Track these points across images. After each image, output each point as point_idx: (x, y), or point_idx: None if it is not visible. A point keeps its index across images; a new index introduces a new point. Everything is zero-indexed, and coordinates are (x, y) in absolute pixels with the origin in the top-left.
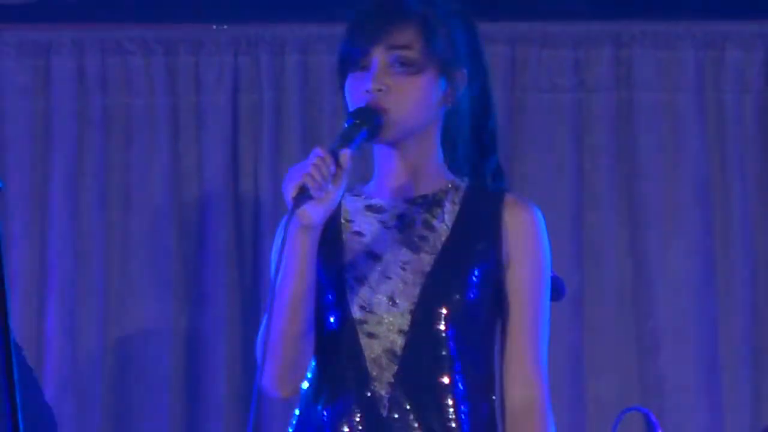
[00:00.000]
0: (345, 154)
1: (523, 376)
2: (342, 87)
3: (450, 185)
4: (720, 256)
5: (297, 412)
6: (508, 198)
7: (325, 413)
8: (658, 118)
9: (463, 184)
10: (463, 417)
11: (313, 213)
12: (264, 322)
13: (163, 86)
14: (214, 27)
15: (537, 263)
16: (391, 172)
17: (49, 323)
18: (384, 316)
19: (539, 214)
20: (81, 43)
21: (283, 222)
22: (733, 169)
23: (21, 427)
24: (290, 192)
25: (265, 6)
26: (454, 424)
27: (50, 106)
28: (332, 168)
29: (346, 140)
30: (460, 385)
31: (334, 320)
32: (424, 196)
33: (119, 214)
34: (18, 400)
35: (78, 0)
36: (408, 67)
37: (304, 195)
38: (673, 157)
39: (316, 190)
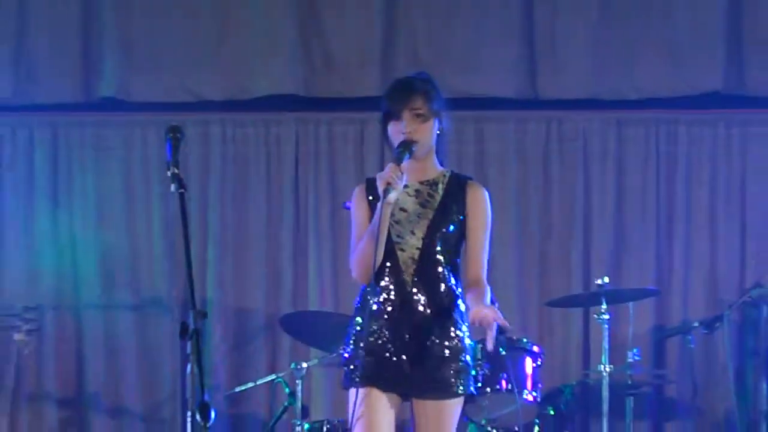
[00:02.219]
0: (403, 166)
1: (475, 268)
2: (384, 131)
3: (441, 175)
4: None
5: (365, 287)
6: (470, 183)
7: (378, 288)
8: None
9: (447, 174)
10: (445, 288)
11: (392, 197)
12: (355, 247)
13: None
14: None
15: (483, 217)
16: (414, 169)
17: None
18: (408, 239)
19: (486, 192)
20: None
21: (354, 192)
22: None
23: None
24: (381, 186)
25: None
26: (443, 289)
27: None
28: (399, 173)
29: (400, 159)
30: (445, 273)
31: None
32: (428, 180)
33: None
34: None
35: None
36: (422, 117)
37: (388, 188)
38: None
39: (394, 185)
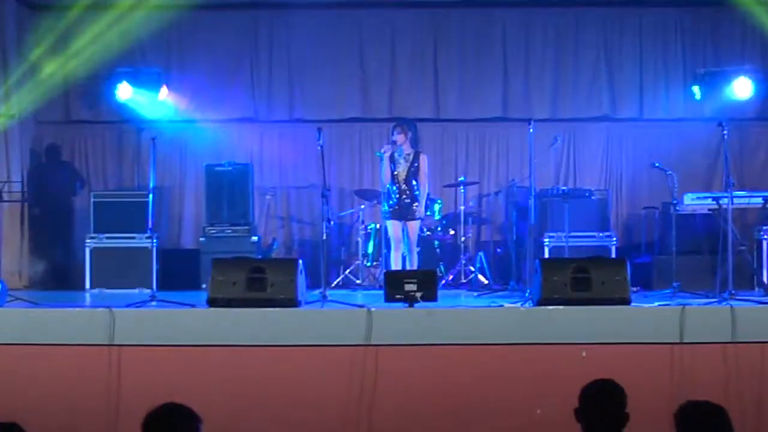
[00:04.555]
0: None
1: (423, 185)
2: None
3: (413, 151)
4: None
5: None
6: (421, 152)
7: (388, 196)
8: None
9: (414, 150)
10: (416, 195)
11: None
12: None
13: None
14: None
15: (425, 166)
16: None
17: None
18: (401, 173)
19: (426, 157)
20: None
21: (379, 155)
22: None
23: None
24: (387, 152)
25: None
26: (417, 192)
27: None
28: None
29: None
30: (415, 186)
31: (391, 176)
32: (410, 153)
33: None
34: None
35: None
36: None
37: (392, 153)
38: None
39: (390, 152)
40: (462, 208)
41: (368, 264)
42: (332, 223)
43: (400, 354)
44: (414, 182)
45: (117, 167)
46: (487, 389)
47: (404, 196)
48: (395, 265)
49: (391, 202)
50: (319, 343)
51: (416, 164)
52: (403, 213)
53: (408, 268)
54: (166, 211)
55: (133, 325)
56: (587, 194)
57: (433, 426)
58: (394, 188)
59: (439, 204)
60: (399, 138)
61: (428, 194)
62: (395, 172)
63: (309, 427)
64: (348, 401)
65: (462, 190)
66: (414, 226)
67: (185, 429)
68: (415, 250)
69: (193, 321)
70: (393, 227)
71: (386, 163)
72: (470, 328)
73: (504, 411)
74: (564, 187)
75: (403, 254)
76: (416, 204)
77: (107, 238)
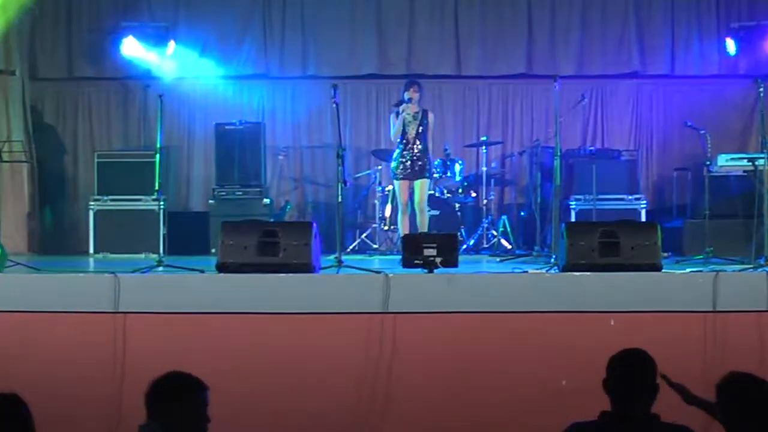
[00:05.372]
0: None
1: (429, 143)
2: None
3: (421, 109)
4: None
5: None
6: (430, 111)
7: (401, 151)
8: None
9: (422, 109)
10: (426, 154)
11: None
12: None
13: None
14: None
15: (435, 121)
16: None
17: None
18: (411, 130)
19: (432, 115)
20: None
21: (391, 114)
22: None
23: None
24: (403, 113)
25: None
26: (427, 151)
27: None
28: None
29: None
30: (424, 145)
31: (402, 130)
32: (418, 111)
33: None
34: None
35: None
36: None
37: (403, 111)
38: None
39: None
40: (484, 169)
41: (385, 228)
42: (348, 184)
43: (418, 322)
44: (423, 141)
45: (122, 126)
46: (510, 360)
47: (414, 156)
48: (403, 229)
49: (400, 161)
50: (333, 310)
51: (426, 122)
52: (412, 172)
53: (419, 229)
54: (174, 172)
55: (138, 292)
56: (616, 155)
57: (453, 397)
58: (404, 148)
59: (460, 165)
60: (415, 96)
61: (449, 154)
62: (405, 131)
63: (323, 399)
64: (364, 372)
65: (484, 150)
66: (424, 185)
67: (191, 398)
68: (426, 210)
69: (202, 287)
70: (401, 188)
71: (399, 121)
72: (492, 295)
73: (528, 382)
74: (591, 147)
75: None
76: (426, 162)
77: (111, 200)
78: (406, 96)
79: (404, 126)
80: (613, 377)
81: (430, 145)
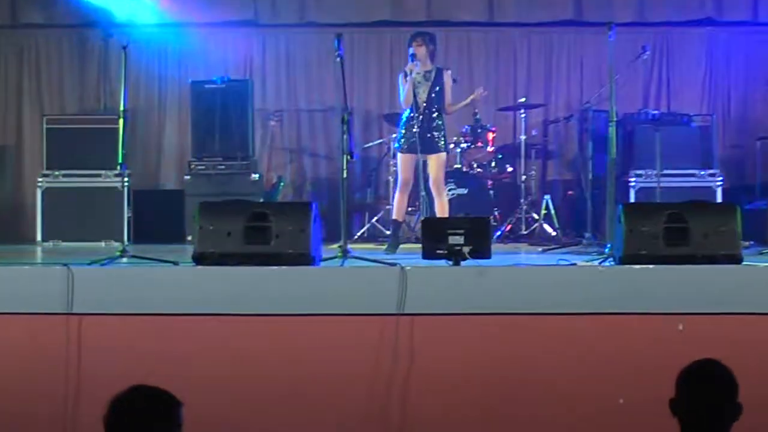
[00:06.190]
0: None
1: (449, 109)
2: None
3: (434, 67)
4: None
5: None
6: (445, 69)
7: (409, 118)
8: None
9: (435, 67)
10: (441, 124)
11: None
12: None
13: None
14: None
15: (450, 82)
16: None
17: None
18: (421, 93)
19: (449, 72)
20: None
21: (400, 75)
22: None
23: None
24: (411, 73)
25: None
26: (442, 120)
27: None
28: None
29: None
30: (439, 111)
31: (413, 96)
32: (430, 70)
33: None
34: None
35: None
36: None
37: (411, 72)
38: None
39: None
40: (523, 138)
41: None
42: (355, 156)
43: (441, 325)
44: (438, 106)
45: (77, 84)
46: (553, 371)
47: (425, 124)
48: (396, 212)
49: (407, 131)
50: (337, 311)
51: (440, 83)
52: (423, 145)
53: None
54: (142, 141)
55: (97, 289)
56: (685, 120)
57: (484, 417)
58: (414, 114)
59: (493, 133)
60: (420, 51)
61: (479, 119)
62: (416, 95)
63: (322, 421)
64: (374, 387)
65: (522, 115)
66: (439, 160)
67: (160, 414)
68: (445, 191)
69: (176, 283)
70: (404, 163)
71: (408, 84)
72: (532, 292)
73: (575, 399)
74: (655, 111)
75: (421, 197)
76: (442, 133)
77: (64, 176)
78: (411, 52)
79: (414, 88)
80: (682, 395)
81: (448, 112)
